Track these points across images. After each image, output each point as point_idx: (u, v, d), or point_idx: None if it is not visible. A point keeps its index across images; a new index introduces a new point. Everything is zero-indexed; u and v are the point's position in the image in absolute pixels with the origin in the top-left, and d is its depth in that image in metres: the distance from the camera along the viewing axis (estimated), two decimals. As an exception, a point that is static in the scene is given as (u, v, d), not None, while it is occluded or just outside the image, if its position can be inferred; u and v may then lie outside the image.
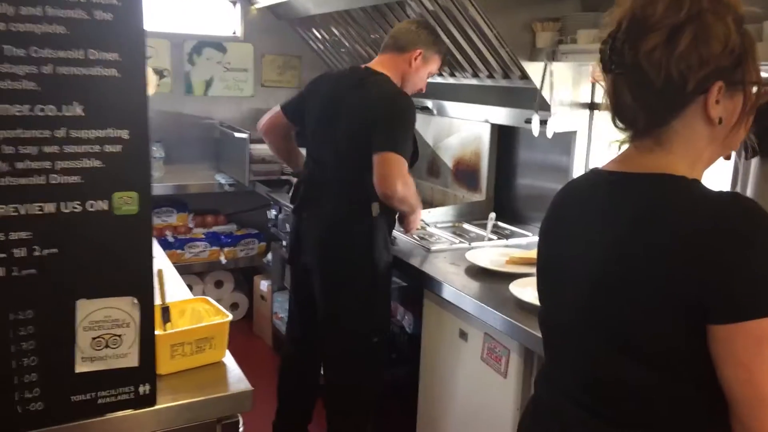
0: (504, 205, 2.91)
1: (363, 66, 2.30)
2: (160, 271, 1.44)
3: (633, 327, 0.90)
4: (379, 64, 2.27)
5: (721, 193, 0.89)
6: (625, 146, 0.99)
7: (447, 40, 2.59)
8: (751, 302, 0.82)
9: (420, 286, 2.27)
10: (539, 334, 1.71)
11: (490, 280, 2.08)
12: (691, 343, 0.86)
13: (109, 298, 1.15)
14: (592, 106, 2.54)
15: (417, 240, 2.52)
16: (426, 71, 2.31)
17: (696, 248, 0.84)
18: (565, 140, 2.50)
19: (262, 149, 3.57)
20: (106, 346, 1.16)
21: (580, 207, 1.04)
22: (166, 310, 1.44)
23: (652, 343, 0.89)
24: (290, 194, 2.47)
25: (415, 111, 2.19)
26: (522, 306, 1.82)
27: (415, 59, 2.24)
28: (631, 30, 0.91)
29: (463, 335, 2.03)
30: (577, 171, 2.59)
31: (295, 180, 2.64)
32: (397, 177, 2.06)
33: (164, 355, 1.32)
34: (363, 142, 2.10)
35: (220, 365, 1.42)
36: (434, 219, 2.81)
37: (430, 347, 2.22)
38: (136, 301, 1.16)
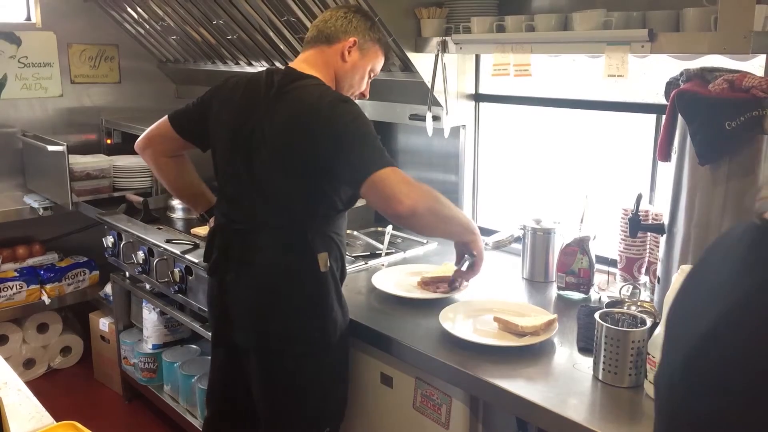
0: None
1: (285, 66, 1.73)
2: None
3: None
4: (303, 62, 1.72)
5: None
6: None
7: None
8: None
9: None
10: (485, 378, 1.53)
11: (408, 309, 1.81)
12: None
13: None
14: (477, 97, 2.35)
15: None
16: (365, 68, 1.77)
17: None
18: (452, 133, 2.28)
19: (86, 162, 2.95)
20: None
21: None
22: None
23: None
24: (204, 249, 1.84)
25: (364, 114, 1.61)
26: (455, 343, 1.58)
27: (348, 51, 1.71)
28: None
29: (386, 380, 1.74)
30: (468, 165, 2.41)
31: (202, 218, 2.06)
32: (396, 189, 1.50)
33: None
34: (298, 174, 1.60)
35: None
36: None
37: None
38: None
